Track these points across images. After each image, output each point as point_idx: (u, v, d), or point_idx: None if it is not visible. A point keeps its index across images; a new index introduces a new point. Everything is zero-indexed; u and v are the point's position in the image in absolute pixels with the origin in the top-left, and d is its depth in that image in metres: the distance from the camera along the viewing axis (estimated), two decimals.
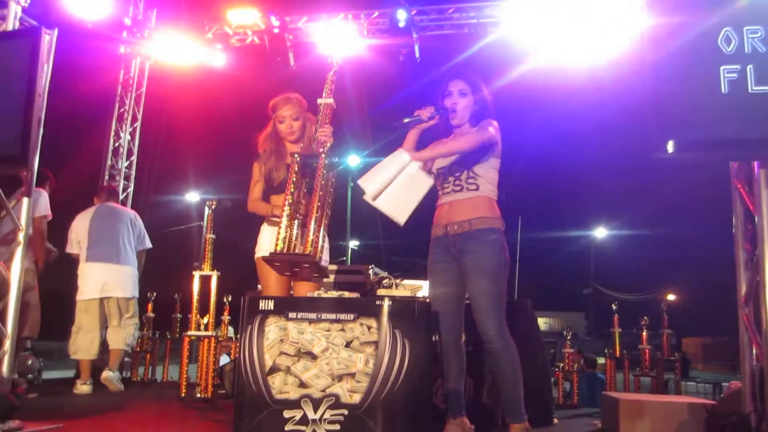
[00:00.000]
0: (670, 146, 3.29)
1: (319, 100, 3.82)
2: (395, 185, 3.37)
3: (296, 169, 3.58)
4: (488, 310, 3.41)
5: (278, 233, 3.46)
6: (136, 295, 6.24)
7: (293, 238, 3.48)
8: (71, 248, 6.18)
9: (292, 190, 3.53)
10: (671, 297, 32.34)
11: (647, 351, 6.51)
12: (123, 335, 6.07)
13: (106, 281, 5.96)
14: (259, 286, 4.17)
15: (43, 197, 5.65)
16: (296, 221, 3.53)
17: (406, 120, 3.50)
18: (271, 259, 3.45)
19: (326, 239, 3.81)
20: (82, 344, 5.92)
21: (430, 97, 3.68)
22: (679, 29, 3.37)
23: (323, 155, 3.60)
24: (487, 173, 3.57)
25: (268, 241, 3.83)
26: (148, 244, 6.40)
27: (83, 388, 5.79)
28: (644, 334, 6.58)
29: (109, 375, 5.86)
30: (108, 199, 6.42)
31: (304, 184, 3.63)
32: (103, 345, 6.13)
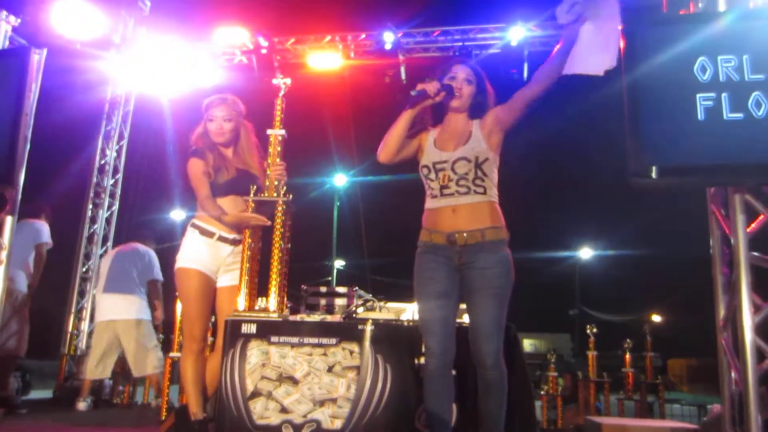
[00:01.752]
0: (653, 172, 3.34)
1: (268, 131, 3.62)
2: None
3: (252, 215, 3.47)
4: (490, 334, 3.07)
5: (239, 288, 3.38)
6: (145, 318, 6.58)
7: (255, 293, 3.40)
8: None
9: (249, 242, 3.43)
10: (656, 318, 32.43)
11: (630, 374, 6.54)
12: (147, 361, 6.41)
13: (113, 306, 6.48)
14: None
15: (46, 227, 6.22)
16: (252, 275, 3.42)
17: (413, 93, 3.18)
18: (240, 320, 3.26)
19: None
20: (89, 365, 6.41)
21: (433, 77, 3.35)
22: (655, 57, 3.44)
23: (280, 200, 3.45)
24: (493, 173, 3.30)
25: (193, 251, 3.66)
26: (156, 276, 6.79)
27: (80, 405, 6.24)
28: (627, 356, 6.61)
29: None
30: (132, 239, 7.02)
31: (259, 230, 3.51)
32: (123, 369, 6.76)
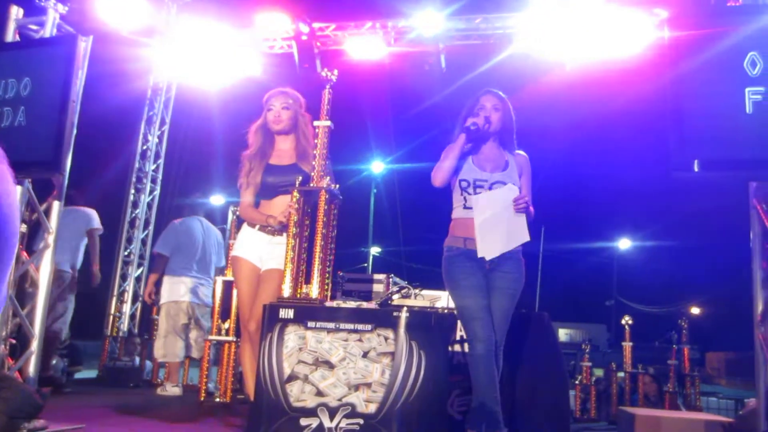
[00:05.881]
0: (696, 165, 3.32)
1: (315, 123, 3.71)
2: (501, 221, 3.51)
3: (296, 206, 3.54)
4: (502, 327, 3.50)
5: (284, 274, 3.45)
6: (166, 299, 6.62)
7: (299, 280, 3.46)
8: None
9: (294, 231, 3.49)
10: (695, 310, 31.90)
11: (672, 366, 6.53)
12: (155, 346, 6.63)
13: None
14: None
15: (95, 214, 6.38)
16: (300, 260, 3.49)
17: (472, 128, 3.55)
18: (278, 305, 3.35)
19: None
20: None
21: (458, 109, 3.78)
22: (702, 50, 3.40)
23: (324, 190, 3.52)
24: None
25: (247, 243, 3.90)
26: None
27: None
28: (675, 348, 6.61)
29: None
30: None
31: (305, 220, 3.57)
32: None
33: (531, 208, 3.61)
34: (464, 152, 3.65)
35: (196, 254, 6.58)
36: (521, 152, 3.80)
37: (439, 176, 3.63)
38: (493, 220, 3.49)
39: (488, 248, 3.47)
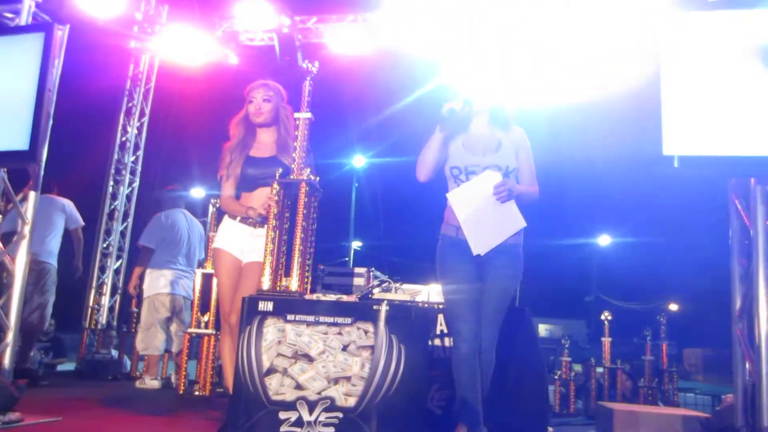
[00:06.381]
0: (675, 162, 3.33)
1: (296, 114, 3.69)
2: (487, 212, 3.31)
3: (276, 198, 3.51)
4: (495, 325, 3.36)
5: (263, 268, 3.42)
6: (148, 293, 6.54)
7: (278, 273, 3.44)
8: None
9: (274, 223, 3.47)
10: (674, 307, 32.24)
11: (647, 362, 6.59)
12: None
13: None
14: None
15: (74, 208, 6.36)
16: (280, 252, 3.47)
17: (445, 114, 3.31)
18: (257, 298, 3.30)
19: None
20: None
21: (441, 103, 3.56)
22: (684, 45, 3.41)
23: (304, 182, 3.50)
24: (520, 181, 3.49)
25: (228, 235, 3.89)
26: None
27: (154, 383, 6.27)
28: (648, 344, 6.67)
29: None
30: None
31: (285, 213, 3.54)
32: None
33: (535, 188, 3.45)
34: (449, 136, 3.44)
35: (182, 248, 6.55)
36: (517, 127, 3.52)
37: (422, 171, 3.44)
38: (478, 213, 3.30)
39: (480, 244, 3.31)
